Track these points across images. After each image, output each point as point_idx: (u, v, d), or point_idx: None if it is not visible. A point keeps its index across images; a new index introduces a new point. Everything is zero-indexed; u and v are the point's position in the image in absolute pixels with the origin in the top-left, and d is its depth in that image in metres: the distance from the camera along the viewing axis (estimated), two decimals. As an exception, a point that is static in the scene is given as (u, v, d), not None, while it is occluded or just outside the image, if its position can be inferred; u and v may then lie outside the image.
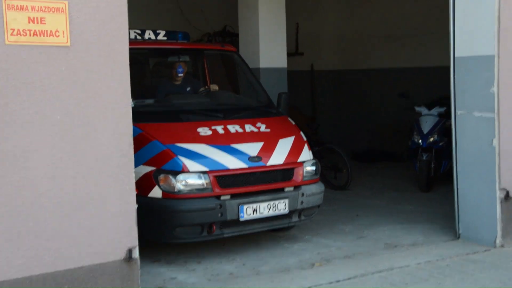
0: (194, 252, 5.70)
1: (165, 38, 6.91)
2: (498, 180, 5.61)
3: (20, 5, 3.93)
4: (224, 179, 5.34)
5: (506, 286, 4.65)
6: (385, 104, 11.35)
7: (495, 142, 5.57)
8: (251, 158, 5.53)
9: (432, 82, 10.01)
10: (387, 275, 4.90)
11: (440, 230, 6.30)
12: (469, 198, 5.81)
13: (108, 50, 4.20)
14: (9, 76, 3.83)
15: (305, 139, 6.18)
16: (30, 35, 3.95)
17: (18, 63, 3.87)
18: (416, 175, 8.49)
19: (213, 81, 7.47)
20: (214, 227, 5.27)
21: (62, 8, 4.07)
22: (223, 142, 5.59)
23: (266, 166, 5.57)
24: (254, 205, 5.39)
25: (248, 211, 5.35)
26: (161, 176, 5.20)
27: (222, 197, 5.28)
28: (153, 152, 5.33)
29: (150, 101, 6.27)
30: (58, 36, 4.05)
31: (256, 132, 5.91)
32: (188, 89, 6.77)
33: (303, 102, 11.83)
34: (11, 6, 3.89)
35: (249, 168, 5.47)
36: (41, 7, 4.00)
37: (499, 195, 5.62)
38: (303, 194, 5.69)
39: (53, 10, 4.05)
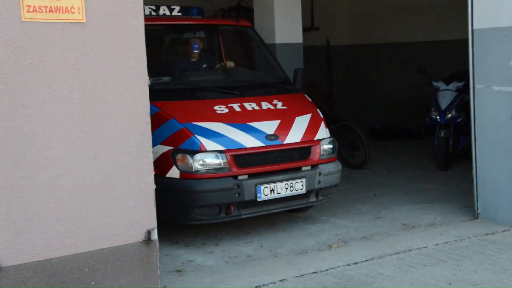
0: (211, 234, 5.70)
1: (180, 14, 6.82)
2: (518, 157, 5.50)
3: (36, -19, 3.85)
4: (241, 158, 5.30)
5: (526, 268, 4.61)
6: (402, 79, 11.21)
7: (514, 117, 5.47)
8: (268, 137, 5.48)
9: (450, 56, 9.85)
10: (404, 257, 4.88)
11: (458, 209, 6.25)
12: (488, 176, 5.73)
13: (123, 26, 4.14)
14: (27, 54, 3.78)
15: (322, 116, 6.11)
16: (46, 11, 3.89)
17: (35, 40, 3.81)
18: (434, 153, 8.40)
19: (229, 57, 7.39)
20: (232, 208, 5.24)
21: (77, -17, 3.98)
22: (240, 120, 5.55)
23: (283, 145, 5.52)
24: (272, 185, 5.34)
25: (266, 191, 5.31)
26: (179, 156, 5.16)
27: (240, 177, 5.24)
28: (170, 131, 5.29)
29: (166, 78, 6.22)
30: (73, 12, 3.99)
31: (272, 110, 5.85)
32: (204, 65, 6.71)
33: (319, 78, 11.71)
34: (26, -17, 3.81)
35: (266, 146, 5.43)
36: (56, -17, 3.92)
37: (518, 172, 5.51)
38: (320, 173, 5.64)
39: (68, -15, 3.96)
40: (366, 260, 4.81)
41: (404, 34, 11.38)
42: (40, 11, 3.87)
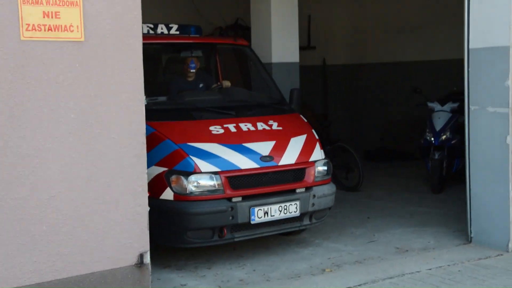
0: (204, 257, 5.66)
1: (178, 32, 6.83)
2: (512, 180, 5.50)
3: (35, -1, 3.85)
4: (236, 179, 5.28)
5: (519, 294, 4.61)
6: (397, 99, 11.24)
7: (509, 139, 5.46)
8: (263, 158, 5.47)
9: (446, 76, 9.89)
10: (398, 281, 4.85)
11: (452, 233, 6.24)
12: (481, 199, 5.72)
13: (122, 45, 4.16)
14: (25, 73, 3.78)
15: (317, 137, 6.10)
16: (45, 30, 3.90)
17: (33, 59, 3.82)
18: (428, 175, 8.40)
19: (225, 76, 7.39)
20: (225, 230, 5.21)
21: (76, 2, 4.02)
22: (235, 141, 5.53)
23: (277, 166, 5.50)
24: (265, 208, 5.32)
25: (259, 214, 5.28)
26: (173, 177, 5.13)
27: (234, 199, 5.22)
28: (165, 152, 5.26)
29: (162, 98, 6.20)
30: (72, 31, 4.00)
31: (268, 130, 5.84)
32: (201, 85, 6.70)
33: (315, 97, 11.72)
34: (26, 1, 3.84)
35: (260, 168, 5.41)
36: (55, 1, 3.97)
37: (512, 196, 5.51)
38: (314, 196, 5.62)
39: (67, 4, 4.00)
40: (359, 285, 4.78)
41: (400, 54, 11.43)
42: (39, 29, 3.87)
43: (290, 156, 5.62)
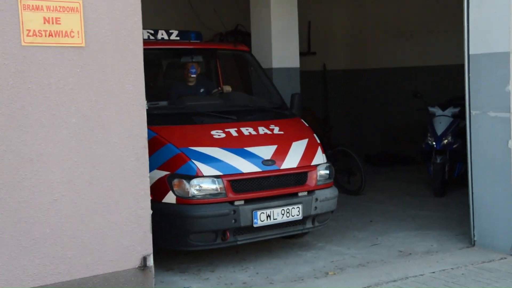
0: (207, 260, 5.65)
1: (178, 38, 6.85)
2: (515, 183, 5.49)
3: (36, 5, 3.89)
4: (238, 183, 5.28)
5: (524, 297, 4.59)
6: (399, 104, 11.25)
7: (510, 143, 5.47)
8: (264, 162, 5.47)
9: (447, 81, 9.91)
10: (401, 284, 4.84)
11: (455, 237, 6.22)
12: (484, 203, 5.72)
13: (122, 51, 4.17)
14: (26, 79, 3.80)
15: (318, 141, 6.11)
16: (45, 35, 3.92)
17: (34, 65, 3.84)
18: (430, 179, 8.40)
19: (226, 81, 7.40)
20: (228, 233, 5.20)
21: (77, 7, 4.03)
22: (237, 145, 5.53)
23: (279, 170, 5.50)
24: (268, 211, 5.32)
25: (262, 217, 5.28)
26: (175, 181, 5.13)
27: (236, 203, 5.22)
28: (167, 156, 5.26)
29: (163, 103, 6.21)
30: (73, 36, 4.02)
31: (269, 135, 5.85)
32: (202, 90, 6.72)
33: (316, 102, 11.73)
34: (26, 6, 3.85)
35: (262, 172, 5.41)
36: (56, 7, 3.97)
37: (515, 199, 5.51)
38: (316, 199, 5.62)
39: (67, 9, 4.01)
40: (362, 288, 4.78)
41: (400, 59, 11.45)
42: (40, 35, 3.89)
43: (292, 160, 5.63)
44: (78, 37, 4.03)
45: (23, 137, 3.76)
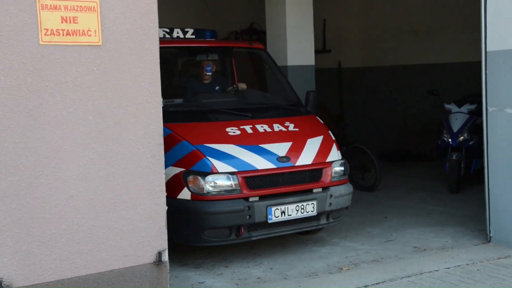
0: (221, 256, 5.70)
1: (193, 36, 6.89)
2: (531, 180, 5.47)
3: (53, 5, 3.94)
4: (253, 180, 5.32)
5: (539, 294, 4.58)
6: (413, 101, 11.21)
7: (527, 140, 5.45)
8: (279, 158, 5.50)
9: (463, 78, 9.86)
10: (416, 280, 4.84)
11: (470, 233, 6.21)
12: (500, 199, 5.70)
13: (139, 49, 4.20)
14: (44, 77, 3.85)
15: (333, 138, 6.13)
16: (63, 34, 3.96)
17: (52, 63, 3.88)
18: (446, 175, 8.37)
19: (241, 79, 7.44)
20: (242, 229, 5.25)
21: (94, 7, 4.07)
22: (252, 142, 5.57)
23: (294, 167, 5.53)
24: (282, 207, 5.35)
25: (276, 213, 5.32)
26: (190, 177, 5.19)
27: (251, 199, 5.26)
28: (182, 153, 5.32)
29: (179, 100, 6.27)
30: (90, 35, 4.06)
31: (284, 132, 5.88)
32: (217, 88, 6.76)
33: (331, 100, 11.74)
34: (44, 6, 3.90)
35: (277, 168, 5.44)
36: (73, 6, 4.01)
37: (532, 196, 5.49)
38: (331, 196, 5.64)
39: (85, 9, 4.05)
40: (376, 283, 4.79)
41: (416, 56, 11.40)
42: (58, 34, 3.93)
43: (306, 157, 5.65)
44: (95, 36, 4.07)
45: (40, 134, 3.82)
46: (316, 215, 5.57)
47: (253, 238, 5.36)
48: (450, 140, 8.24)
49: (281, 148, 5.59)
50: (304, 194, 5.53)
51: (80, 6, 4.02)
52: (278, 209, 5.32)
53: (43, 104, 3.83)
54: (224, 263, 5.54)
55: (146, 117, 4.22)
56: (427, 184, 8.88)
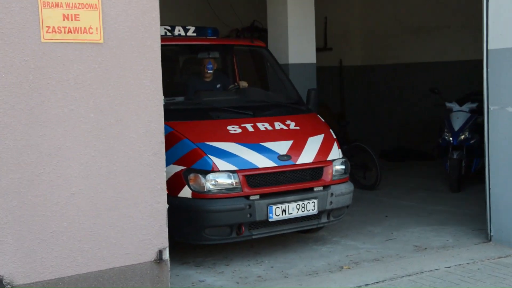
0: (222, 254, 5.71)
1: (195, 34, 6.89)
2: (533, 179, 5.47)
3: (55, 2, 3.94)
4: (253, 178, 5.32)
5: (540, 293, 4.58)
6: (415, 100, 11.21)
7: (529, 139, 5.45)
8: (280, 157, 5.50)
9: (464, 77, 9.85)
10: (416, 279, 4.85)
11: (471, 232, 6.21)
12: (501, 198, 5.69)
13: (140, 47, 4.20)
14: (45, 74, 3.85)
15: (334, 137, 6.12)
16: (64, 32, 3.96)
17: (53, 60, 3.88)
18: (447, 174, 8.38)
19: (242, 77, 7.44)
20: (243, 228, 5.25)
21: (95, 4, 4.07)
22: (253, 141, 5.57)
23: (295, 165, 5.53)
24: (283, 206, 5.35)
25: (277, 212, 5.32)
26: (191, 176, 5.19)
27: (251, 197, 5.26)
28: (183, 151, 5.32)
29: (180, 99, 6.27)
30: (91, 33, 4.06)
31: (285, 130, 5.88)
32: (218, 86, 6.76)
33: (332, 98, 11.74)
34: (46, 4, 3.90)
35: (278, 167, 5.45)
36: (75, 3, 4.01)
37: (532, 195, 5.49)
38: (332, 194, 5.64)
39: (86, 6, 4.05)
40: (377, 282, 4.79)
41: (417, 54, 11.40)
42: (59, 31, 3.94)
43: (307, 155, 5.65)
44: (97, 33, 4.07)
45: (42, 132, 3.82)
46: (317, 213, 5.57)
47: (253, 237, 5.36)
48: (451, 138, 8.23)
49: (282, 147, 5.59)
50: (305, 192, 5.53)
51: (82, 3, 4.02)
52: (279, 207, 5.32)
53: (45, 102, 3.84)
54: (225, 261, 5.54)
55: (148, 115, 4.23)
56: (427, 183, 8.88)
